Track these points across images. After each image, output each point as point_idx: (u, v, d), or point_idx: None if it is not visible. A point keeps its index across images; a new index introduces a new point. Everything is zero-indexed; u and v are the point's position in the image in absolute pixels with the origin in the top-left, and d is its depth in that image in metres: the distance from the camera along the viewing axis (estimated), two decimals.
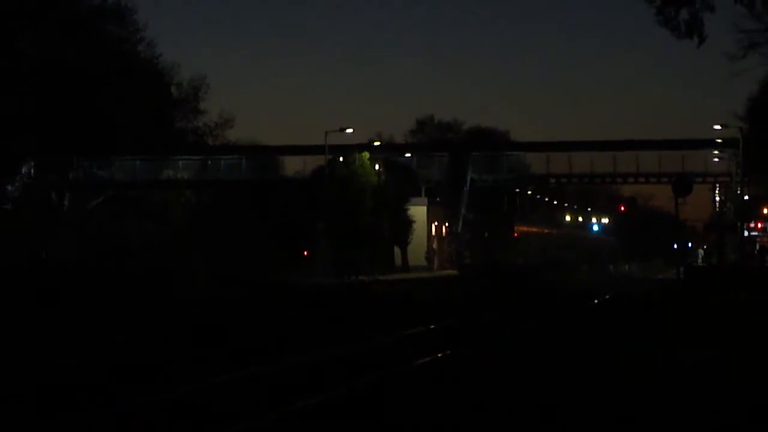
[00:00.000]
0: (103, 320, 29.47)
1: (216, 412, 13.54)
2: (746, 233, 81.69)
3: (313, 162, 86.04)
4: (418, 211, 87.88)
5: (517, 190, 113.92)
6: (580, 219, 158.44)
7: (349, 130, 77.92)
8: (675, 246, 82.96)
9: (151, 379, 16.84)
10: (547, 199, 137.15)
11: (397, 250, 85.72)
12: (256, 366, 17.89)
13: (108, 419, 13.17)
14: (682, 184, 55.12)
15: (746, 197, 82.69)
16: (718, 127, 78.39)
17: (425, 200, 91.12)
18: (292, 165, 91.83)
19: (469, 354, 20.77)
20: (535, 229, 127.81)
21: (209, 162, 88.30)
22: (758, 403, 14.51)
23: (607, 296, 45.53)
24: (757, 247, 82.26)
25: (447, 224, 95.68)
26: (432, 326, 26.95)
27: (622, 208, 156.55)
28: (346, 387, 15.46)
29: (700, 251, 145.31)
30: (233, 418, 13.00)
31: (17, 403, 14.61)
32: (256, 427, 12.61)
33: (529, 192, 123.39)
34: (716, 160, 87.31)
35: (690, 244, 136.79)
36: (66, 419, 13.19)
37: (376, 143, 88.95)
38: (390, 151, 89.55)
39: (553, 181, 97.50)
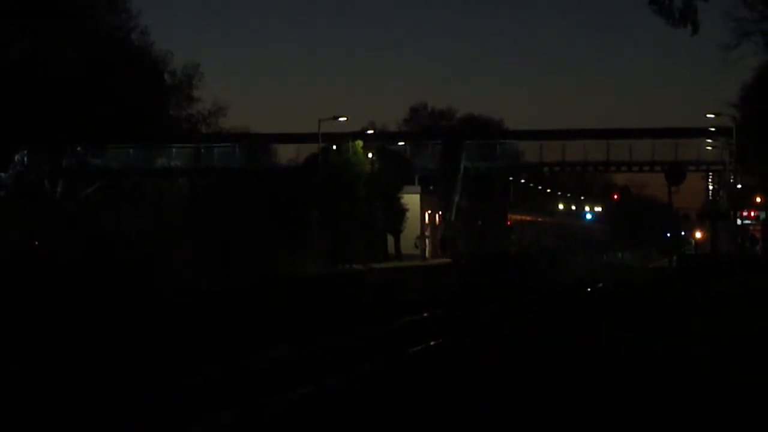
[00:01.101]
0: (90, 314, 29.39)
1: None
2: (739, 222, 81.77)
3: (306, 150, 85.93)
4: (412, 200, 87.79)
5: (511, 178, 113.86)
6: (573, 207, 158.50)
7: (343, 119, 77.79)
8: (668, 234, 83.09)
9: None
10: (540, 188, 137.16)
11: (390, 238, 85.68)
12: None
13: None
14: (676, 172, 55.28)
15: (739, 186, 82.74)
16: (711, 115, 78.37)
17: (418, 188, 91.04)
18: (286, 153, 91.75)
19: (463, 341, 20.82)
20: (528, 218, 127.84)
21: (202, 150, 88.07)
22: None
23: (600, 285, 45.62)
24: (749, 235, 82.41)
25: (440, 212, 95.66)
26: (425, 315, 27.04)
27: (616, 197, 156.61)
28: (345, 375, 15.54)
29: (693, 240, 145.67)
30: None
31: None
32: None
33: (523, 180, 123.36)
34: (709, 148, 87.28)
35: (683, 233, 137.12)
36: None
37: (370, 131, 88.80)
38: (383, 139, 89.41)
39: (546, 169, 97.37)
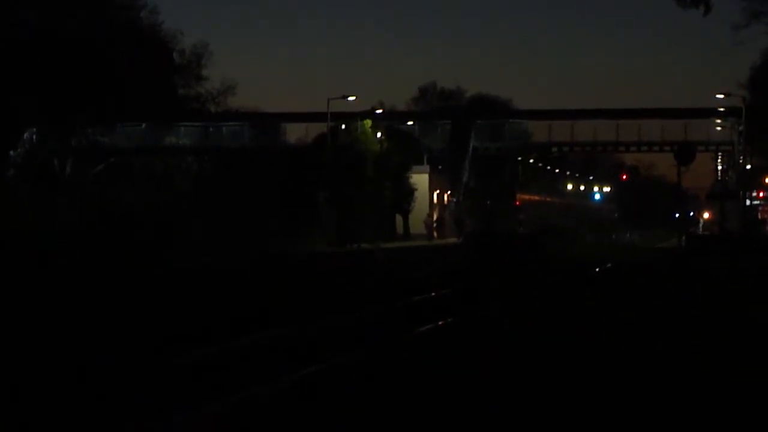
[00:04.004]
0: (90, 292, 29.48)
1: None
2: (748, 202, 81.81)
3: (315, 130, 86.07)
4: (420, 179, 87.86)
5: (520, 158, 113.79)
6: (582, 187, 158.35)
7: (352, 98, 77.85)
8: (677, 215, 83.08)
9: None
10: (549, 168, 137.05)
11: (399, 218, 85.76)
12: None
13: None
14: (685, 152, 55.25)
15: (748, 166, 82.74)
16: (720, 95, 78.33)
17: (427, 168, 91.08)
18: (295, 132, 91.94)
19: (467, 323, 20.90)
20: (537, 198, 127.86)
21: (211, 129, 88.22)
22: None
23: (609, 265, 45.66)
24: (753, 217, 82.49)
25: (449, 192, 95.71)
26: (433, 294, 27.12)
27: (624, 177, 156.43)
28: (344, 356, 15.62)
29: (701, 220, 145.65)
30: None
31: None
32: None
33: (531, 160, 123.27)
34: (718, 128, 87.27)
35: (692, 213, 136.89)
36: None
37: (379, 111, 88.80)
38: (392, 118, 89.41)
39: (555, 149, 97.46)
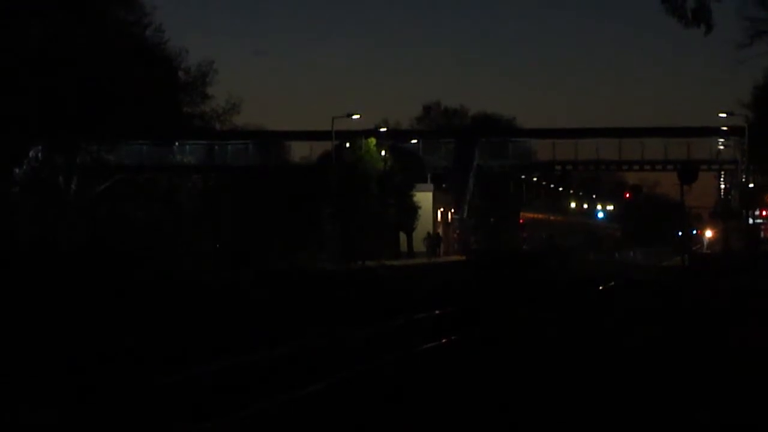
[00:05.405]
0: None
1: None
2: (751, 221, 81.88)
3: (319, 148, 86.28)
4: (424, 197, 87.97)
5: (523, 176, 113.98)
6: (586, 206, 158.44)
7: (356, 116, 78.15)
8: (680, 233, 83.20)
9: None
10: (552, 186, 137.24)
11: (402, 236, 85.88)
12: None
13: None
14: (688, 171, 55.39)
15: (751, 185, 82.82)
16: (723, 115, 78.50)
17: (431, 186, 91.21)
18: (299, 150, 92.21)
19: (471, 338, 21.07)
20: (540, 216, 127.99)
21: (216, 147, 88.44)
22: None
23: (612, 283, 45.78)
24: (761, 234, 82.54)
25: (453, 210, 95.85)
26: (437, 312, 27.28)
27: (628, 195, 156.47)
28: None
29: (705, 238, 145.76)
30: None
31: None
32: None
33: (535, 179, 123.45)
34: (722, 147, 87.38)
35: (695, 231, 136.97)
36: None
37: (383, 129, 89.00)
38: (396, 137, 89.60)
39: (558, 167, 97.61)
